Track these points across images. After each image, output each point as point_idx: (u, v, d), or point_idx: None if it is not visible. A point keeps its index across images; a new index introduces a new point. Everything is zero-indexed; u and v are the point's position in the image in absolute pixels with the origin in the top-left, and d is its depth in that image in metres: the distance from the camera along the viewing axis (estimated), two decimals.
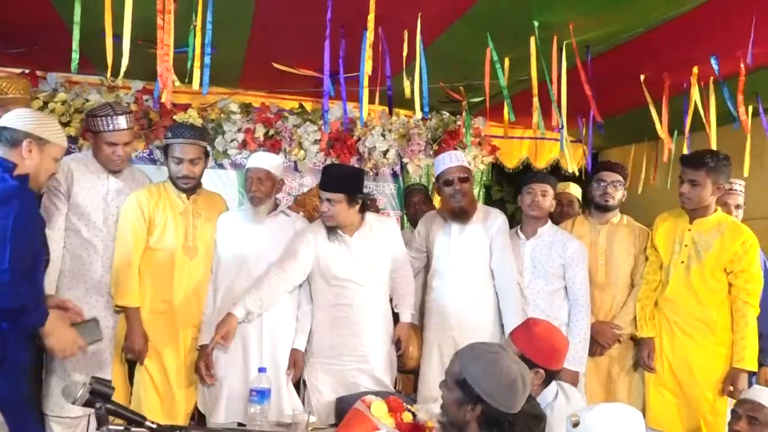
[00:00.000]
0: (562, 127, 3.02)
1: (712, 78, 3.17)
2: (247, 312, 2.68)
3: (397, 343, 2.91)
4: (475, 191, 4.62)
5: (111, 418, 1.41)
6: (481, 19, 2.79)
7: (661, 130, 3.27)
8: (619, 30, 2.85)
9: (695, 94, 3.17)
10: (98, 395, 1.33)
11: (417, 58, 2.76)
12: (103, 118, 2.71)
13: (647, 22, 2.75)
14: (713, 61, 2.99)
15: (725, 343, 2.82)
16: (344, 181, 2.84)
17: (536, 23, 2.74)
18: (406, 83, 2.90)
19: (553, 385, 2.12)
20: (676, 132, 3.56)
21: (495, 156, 4.69)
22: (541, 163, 4.88)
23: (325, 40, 2.66)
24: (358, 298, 2.82)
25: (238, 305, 2.67)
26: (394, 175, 4.44)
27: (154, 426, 1.37)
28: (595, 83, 3.08)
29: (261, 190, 2.79)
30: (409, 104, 2.96)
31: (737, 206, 3.28)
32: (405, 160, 4.38)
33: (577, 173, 4.24)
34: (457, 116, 4.43)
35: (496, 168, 5.00)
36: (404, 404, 2.23)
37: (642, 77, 3.29)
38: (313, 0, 2.56)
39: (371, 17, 2.60)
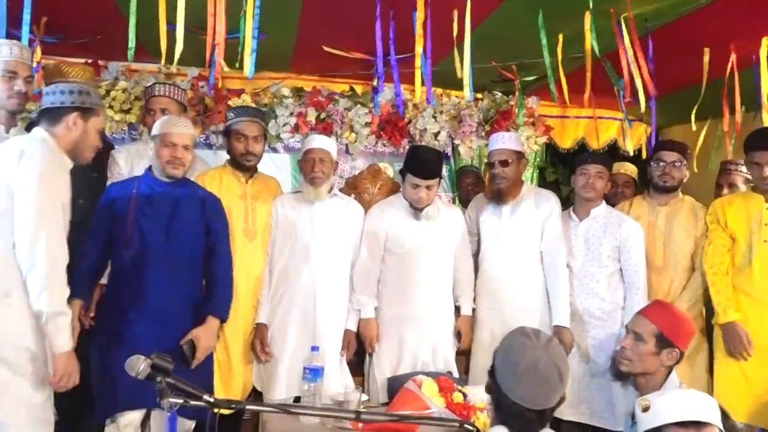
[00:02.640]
0: (624, 105, 2.93)
1: None
2: (375, 307, 2.91)
3: (458, 335, 2.97)
4: (529, 173, 4.52)
5: None
6: None
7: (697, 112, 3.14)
8: (679, 2, 2.73)
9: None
10: (159, 370, 1.41)
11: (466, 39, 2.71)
12: (148, 88, 3.06)
13: None
14: None
15: None
16: (439, 165, 2.96)
17: None
18: (458, 64, 2.87)
19: (675, 374, 2.14)
20: (744, 108, 3.39)
21: (549, 136, 4.58)
22: (598, 143, 4.72)
23: (375, 22, 2.66)
24: (422, 268, 2.89)
25: (365, 308, 2.89)
26: (446, 156, 4.36)
27: (212, 400, 1.43)
28: (654, 58, 2.96)
29: (323, 171, 2.85)
30: (460, 85, 2.93)
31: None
32: (456, 141, 4.33)
33: (631, 153, 4.09)
34: (510, 96, 4.35)
35: (551, 149, 4.88)
36: (455, 385, 2.24)
37: (706, 51, 3.13)
38: None
39: None
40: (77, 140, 2.13)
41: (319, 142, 2.92)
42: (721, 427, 1.63)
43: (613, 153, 4.67)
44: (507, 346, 1.63)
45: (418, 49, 2.71)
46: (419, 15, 2.63)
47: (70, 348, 2.01)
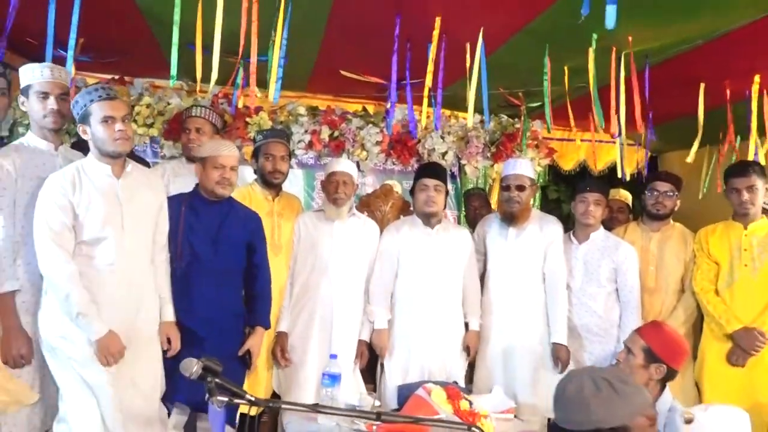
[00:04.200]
0: (620, 134, 3.12)
1: None
2: (387, 319, 3.08)
3: (467, 350, 3.12)
4: None
5: None
6: (541, 32, 2.91)
7: (697, 140, 3.35)
8: (678, 41, 2.92)
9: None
10: (209, 371, 1.59)
11: (476, 70, 2.90)
12: (186, 110, 3.35)
13: (707, 34, 2.81)
14: None
15: None
16: (444, 173, 3.20)
17: (595, 35, 2.84)
18: (468, 90, 3.05)
19: (669, 393, 2.26)
20: (739, 138, 3.58)
21: (552, 158, 4.77)
22: (598, 166, 4.90)
23: (392, 54, 2.85)
24: (432, 283, 3.05)
25: (377, 320, 3.04)
26: (452, 176, 4.54)
27: (253, 399, 1.60)
28: (654, 87, 3.15)
29: (345, 193, 3.04)
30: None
31: None
32: (463, 161, 4.50)
33: (627, 178, 4.27)
34: (515, 119, 4.53)
35: (553, 168, 5.06)
36: (462, 393, 2.41)
37: (702, 85, 3.33)
38: (382, 15, 2.75)
39: (436, 33, 2.77)
40: (94, 145, 2.33)
41: (344, 165, 3.12)
42: None
43: (613, 176, 4.84)
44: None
45: (429, 81, 2.90)
46: (432, 50, 2.81)
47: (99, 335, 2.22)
